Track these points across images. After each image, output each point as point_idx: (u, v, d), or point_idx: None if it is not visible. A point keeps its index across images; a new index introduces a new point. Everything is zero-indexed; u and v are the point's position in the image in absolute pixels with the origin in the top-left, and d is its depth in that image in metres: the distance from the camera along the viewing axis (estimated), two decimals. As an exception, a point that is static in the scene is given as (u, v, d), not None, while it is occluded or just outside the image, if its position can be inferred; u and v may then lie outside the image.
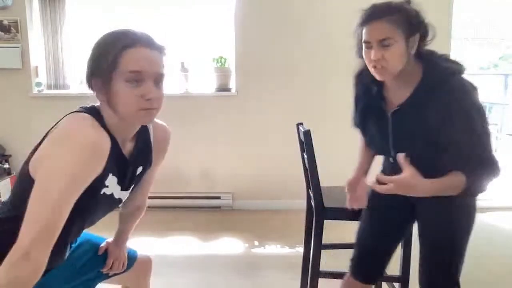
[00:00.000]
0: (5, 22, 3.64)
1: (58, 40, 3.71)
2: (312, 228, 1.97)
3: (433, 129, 1.36)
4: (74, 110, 1.16)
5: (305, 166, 2.10)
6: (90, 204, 1.16)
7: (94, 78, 1.11)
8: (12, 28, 3.64)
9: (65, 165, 1.01)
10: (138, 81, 1.08)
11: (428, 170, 1.31)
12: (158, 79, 1.12)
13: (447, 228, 1.48)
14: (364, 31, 1.37)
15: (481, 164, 1.32)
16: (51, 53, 3.73)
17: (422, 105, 1.38)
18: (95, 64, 1.10)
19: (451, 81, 1.34)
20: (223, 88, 3.70)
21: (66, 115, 1.15)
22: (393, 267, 2.16)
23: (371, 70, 1.40)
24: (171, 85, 3.63)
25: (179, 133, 3.72)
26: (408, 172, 1.28)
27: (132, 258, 1.56)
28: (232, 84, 3.73)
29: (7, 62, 3.67)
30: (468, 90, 1.33)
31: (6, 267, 0.94)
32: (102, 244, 1.51)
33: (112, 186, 1.21)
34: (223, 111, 3.74)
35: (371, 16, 1.35)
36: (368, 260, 1.68)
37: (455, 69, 1.38)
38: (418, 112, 1.39)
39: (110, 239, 1.54)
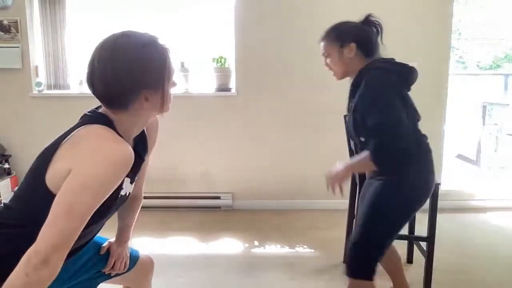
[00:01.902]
0: (5, 22, 3.64)
1: (58, 40, 3.70)
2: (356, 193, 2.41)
3: (358, 111, 1.66)
4: (87, 120, 1.16)
5: (350, 147, 2.43)
6: (111, 208, 1.20)
7: (146, 89, 1.14)
8: (12, 28, 3.64)
9: (95, 180, 1.03)
10: None
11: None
12: None
13: (368, 200, 1.73)
14: None
15: (376, 130, 1.56)
16: (51, 53, 3.73)
17: (354, 94, 1.73)
18: (151, 77, 1.14)
19: (371, 72, 1.68)
20: (223, 88, 3.70)
21: (79, 126, 1.14)
22: (421, 229, 2.51)
23: None
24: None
25: (179, 133, 3.75)
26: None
27: (134, 258, 1.56)
28: (232, 84, 3.73)
29: (7, 62, 3.67)
30: (376, 77, 1.65)
31: (24, 270, 0.96)
32: (104, 244, 1.51)
33: (126, 186, 1.25)
34: (223, 111, 3.74)
35: (320, 38, 1.85)
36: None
37: (379, 66, 1.70)
38: (352, 101, 1.75)
39: (112, 239, 1.55)
